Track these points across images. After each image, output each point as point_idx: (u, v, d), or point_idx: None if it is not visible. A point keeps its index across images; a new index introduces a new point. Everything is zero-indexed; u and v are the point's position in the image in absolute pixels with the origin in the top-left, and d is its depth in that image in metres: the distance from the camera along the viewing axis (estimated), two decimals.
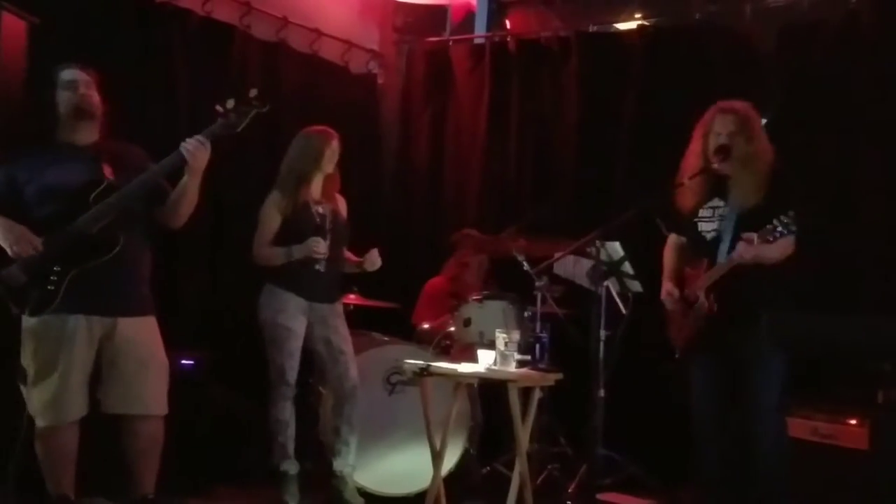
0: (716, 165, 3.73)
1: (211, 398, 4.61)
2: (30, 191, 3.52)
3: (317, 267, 4.31)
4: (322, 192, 4.42)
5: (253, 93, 3.52)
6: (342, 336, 4.42)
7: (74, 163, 3.55)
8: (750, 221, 3.63)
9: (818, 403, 4.13)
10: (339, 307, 4.50)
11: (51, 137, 3.63)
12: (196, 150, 3.48)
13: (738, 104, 3.80)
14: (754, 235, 3.54)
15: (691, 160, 3.83)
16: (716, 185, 3.80)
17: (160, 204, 3.67)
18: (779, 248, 3.62)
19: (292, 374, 4.30)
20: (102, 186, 3.49)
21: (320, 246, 4.26)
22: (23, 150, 3.61)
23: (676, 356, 3.89)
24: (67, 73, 3.62)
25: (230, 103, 3.50)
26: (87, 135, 3.65)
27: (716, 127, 3.76)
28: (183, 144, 3.49)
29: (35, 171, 3.52)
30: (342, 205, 4.55)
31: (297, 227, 4.29)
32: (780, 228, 3.49)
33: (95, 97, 3.65)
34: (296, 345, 4.31)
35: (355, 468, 4.41)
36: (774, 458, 3.64)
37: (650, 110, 5.35)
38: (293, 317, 4.30)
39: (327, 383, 4.49)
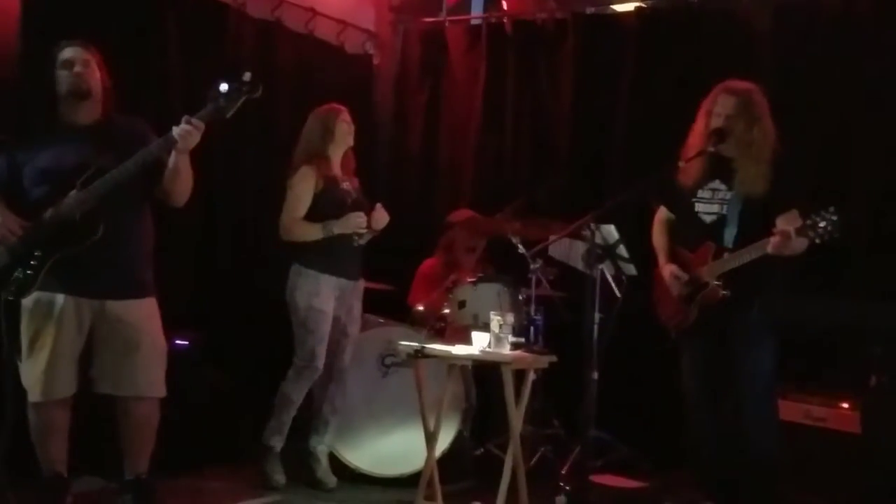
0: (711, 148, 3.69)
1: (204, 378, 4.61)
2: (27, 172, 3.49)
3: (356, 242, 4.32)
4: (343, 169, 4.43)
5: (247, 76, 3.42)
6: (353, 317, 4.43)
7: (70, 144, 3.50)
8: (756, 210, 3.58)
9: (811, 387, 4.15)
10: (360, 285, 4.50)
11: (53, 116, 3.58)
12: (186, 133, 3.41)
13: (742, 86, 3.73)
14: (791, 230, 3.40)
15: (694, 139, 3.78)
16: (717, 167, 3.73)
17: (157, 182, 3.61)
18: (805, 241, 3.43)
19: (321, 359, 4.30)
20: (90, 171, 3.43)
21: (363, 220, 4.27)
22: (25, 131, 3.57)
23: (673, 337, 3.88)
24: (66, 52, 3.55)
25: (223, 86, 3.42)
26: (88, 114, 3.59)
27: (717, 107, 3.71)
28: (174, 129, 3.43)
29: (33, 153, 3.50)
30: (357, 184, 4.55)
31: (331, 202, 4.28)
32: (823, 224, 3.33)
33: (95, 75, 3.58)
34: (327, 328, 4.31)
35: (329, 448, 4.43)
36: (765, 441, 3.64)
37: (646, 92, 5.33)
38: (326, 299, 4.30)
39: None
